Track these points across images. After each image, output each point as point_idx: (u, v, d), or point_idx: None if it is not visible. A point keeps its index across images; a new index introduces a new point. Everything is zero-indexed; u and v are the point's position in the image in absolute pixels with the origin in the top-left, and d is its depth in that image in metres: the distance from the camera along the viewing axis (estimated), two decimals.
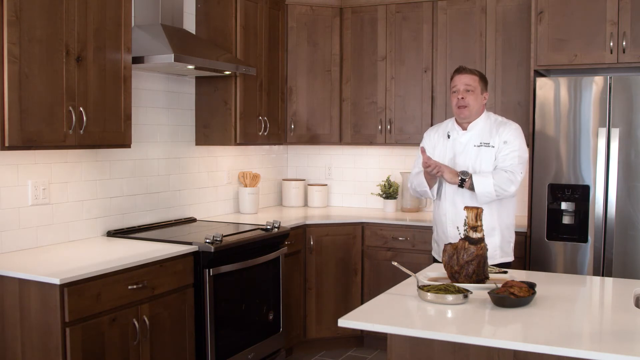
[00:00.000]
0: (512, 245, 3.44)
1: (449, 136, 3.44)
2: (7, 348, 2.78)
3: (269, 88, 4.59)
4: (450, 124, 3.49)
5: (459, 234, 2.74)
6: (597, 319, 2.29)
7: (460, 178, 3.23)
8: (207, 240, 3.36)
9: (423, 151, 3.28)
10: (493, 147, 3.32)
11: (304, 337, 4.51)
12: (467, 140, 3.38)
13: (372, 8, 4.80)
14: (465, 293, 2.34)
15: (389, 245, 4.50)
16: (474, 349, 2.07)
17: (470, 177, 3.23)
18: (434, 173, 3.24)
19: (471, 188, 3.25)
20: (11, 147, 2.73)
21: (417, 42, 4.68)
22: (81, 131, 3.02)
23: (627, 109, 3.72)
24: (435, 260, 3.52)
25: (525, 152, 3.34)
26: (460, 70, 3.40)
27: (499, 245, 3.34)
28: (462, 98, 3.32)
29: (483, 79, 3.40)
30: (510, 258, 3.42)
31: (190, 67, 3.60)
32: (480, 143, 3.35)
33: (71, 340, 2.65)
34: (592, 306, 2.51)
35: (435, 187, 3.42)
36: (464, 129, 3.40)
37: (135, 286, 2.95)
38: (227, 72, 3.97)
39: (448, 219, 3.40)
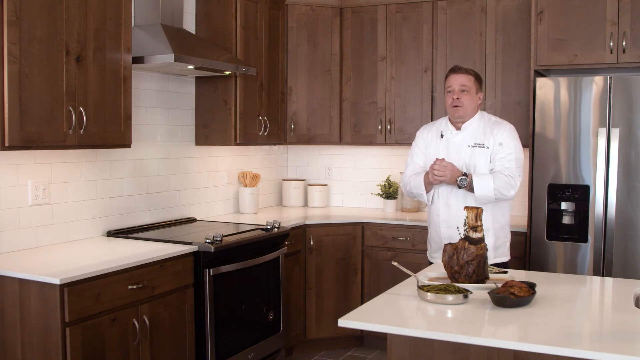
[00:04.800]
0: (508, 245, 3.43)
1: (442, 136, 3.41)
2: (7, 348, 2.79)
3: (269, 88, 4.59)
4: (443, 123, 3.46)
5: (459, 234, 2.74)
6: (597, 319, 2.29)
7: (460, 179, 3.20)
8: (207, 240, 3.36)
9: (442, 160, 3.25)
10: (488, 148, 3.29)
11: (304, 337, 4.51)
12: (460, 140, 3.35)
13: (372, 8, 4.80)
14: (465, 293, 2.34)
15: (389, 245, 4.50)
16: (474, 349, 2.07)
17: (471, 179, 3.21)
18: (437, 176, 3.21)
19: (470, 189, 3.23)
20: (11, 147, 2.73)
21: (417, 42, 4.68)
22: (81, 131, 3.02)
23: (627, 109, 3.72)
24: (430, 263, 3.50)
25: (521, 154, 3.32)
26: (455, 69, 3.36)
27: (492, 246, 3.30)
28: (457, 98, 3.29)
29: (478, 79, 3.37)
30: (505, 258, 3.40)
31: (190, 67, 3.60)
32: (475, 143, 3.31)
33: (71, 340, 2.65)
34: (592, 306, 2.51)
35: (432, 192, 3.39)
36: (458, 128, 3.37)
37: (135, 286, 2.95)
38: (227, 72, 3.97)
39: (441, 219, 3.37)
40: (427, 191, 3.36)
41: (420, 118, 4.67)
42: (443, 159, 3.24)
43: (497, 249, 3.35)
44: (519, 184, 3.26)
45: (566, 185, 3.87)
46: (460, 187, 3.22)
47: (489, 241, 3.25)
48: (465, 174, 3.22)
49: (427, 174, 3.32)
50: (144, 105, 3.90)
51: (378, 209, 5.07)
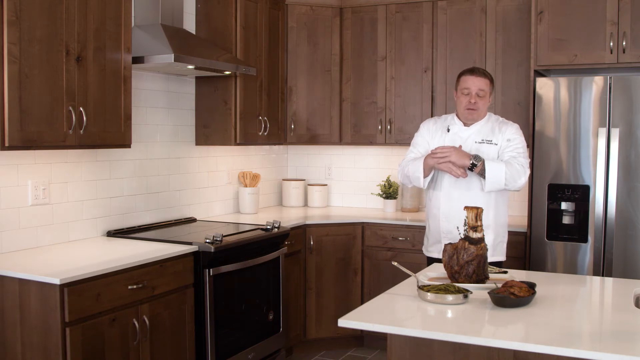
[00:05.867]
0: (504, 244, 3.41)
1: (448, 130, 3.39)
2: (7, 348, 2.79)
3: (269, 88, 4.59)
4: (449, 118, 3.44)
5: (459, 234, 2.73)
6: (597, 319, 2.29)
7: (471, 162, 3.15)
8: (207, 240, 3.36)
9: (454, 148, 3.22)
10: (496, 144, 3.29)
11: (304, 337, 4.51)
12: (468, 135, 3.34)
13: (372, 8, 4.80)
14: (465, 293, 2.34)
15: (389, 245, 4.50)
16: (474, 349, 2.07)
17: (483, 162, 3.16)
18: (441, 157, 3.16)
19: (481, 174, 3.19)
20: (11, 147, 2.73)
21: (417, 42, 4.68)
22: (81, 131, 3.02)
23: (627, 109, 3.72)
24: (428, 259, 3.48)
25: (526, 151, 3.33)
26: (474, 71, 3.31)
27: (491, 244, 3.28)
28: (475, 102, 3.26)
29: (492, 82, 3.35)
30: (502, 257, 3.39)
31: (190, 67, 3.60)
32: (482, 140, 3.31)
33: (71, 340, 2.65)
34: (592, 306, 2.51)
35: (429, 177, 3.33)
36: (466, 125, 3.36)
37: (135, 286, 2.95)
38: (227, 72, 3.97)
39: (441, 212, 3.35)
40: (426, 175, 3.30)
41: (420, 118, 4.67)
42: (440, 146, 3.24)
43: (496, 248, 3.33)
44: (528, 173, 3.26)
45: (566, 185, 3.87)
46: (472, 167, 3.15)
47: (488, 238, 3.23)
48: (477, 156, 3.17)
49: (427, 156, 3.26)
50: (144, 105, 3.90)
51: (378, 209, 5.07)
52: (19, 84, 2.73)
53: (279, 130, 4.75)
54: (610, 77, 3.75)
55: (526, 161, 3.27)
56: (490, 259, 3.26)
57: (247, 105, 4.33)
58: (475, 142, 3.31)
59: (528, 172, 3.25)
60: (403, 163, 3.46)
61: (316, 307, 4.52)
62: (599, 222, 3.79)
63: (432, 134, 3.43)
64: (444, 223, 3.33)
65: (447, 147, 3.20)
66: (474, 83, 3.27)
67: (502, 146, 3.28)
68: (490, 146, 3.29)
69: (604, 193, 3.77)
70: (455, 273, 2.58)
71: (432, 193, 3.43)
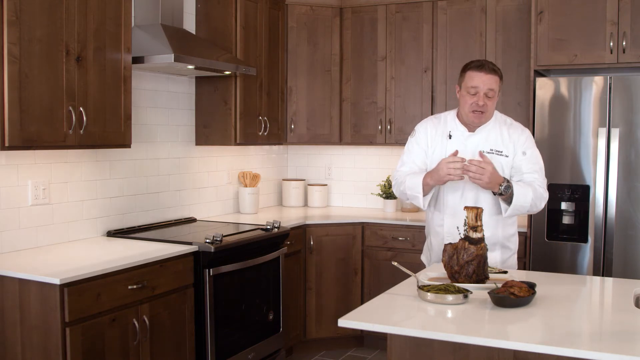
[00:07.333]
0: (515, 256, 3.11)
1: (450, 136, 2.99)
2: (7, 348, 2.78)
3: (269, 88, 4.59)
4: (450, 119, 3.02)
5: (459, 234, 2.73)
6: (597, 319, 2.29)
7: (505, 186, 2.79)
8: (207, 240, 3.36)
9: (456, 154, 2.81)
10: (507, 156, 2.92)
11: (304, 337, 4.51)
12: (474, 144, 2.94)
13: (372, 8, 4.80)
14: (465, 293, 2.33)
15: (389, 245, 4.50)
16: (474, 349, 2.07)
17: (512, 191, 2.80)
18: (470, 176, 2.75)
19: (504, 199, 2.85)
20: (11, 147, 2.73)
21: (417, 42, 4.69)
22: (81, 131, 3.02)
23: (627, 109, 3.72)
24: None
25: (543, 166, 2.99)
26: (483, 67, 2.84)
27: (499, 260, 3.03)
28: (483, 104, 2.85)
29: (502, 79, 2.92)
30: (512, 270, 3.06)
31: (190, 67, 3.60)
32: (491, 149, 2.92)
33: (71, 340, 2.65)
34: (592, 306, 2.51)
35: (429, 195, 2.95)
36: (470, 130, 2.97)
37: (135, 286, 2.95)
38: (227, 72, 3.97)
39: (445, 231, 3.02)
40: (425, 193, 2.92)
41: (420, 118, 4.64)
42: (482, 159, 2.77)
43: (504, 262, 3.07)
44: (547, 197, 2.95)
45: (566, 185, 3.87)
46: (500, 194, 2.81)
47: (495, 256, 3.01)
48: (507, 180, 2.80)
49: (427, 174, 2.88)
50: (144, 105, 3.90)
51: (378, 209, 5.07)
52: (19, 84, 2.72)
53: (279, 130, 4.75)
54: (610, 77, 3.75)
55: (544, 181, 2.93)
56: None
57: (247, 105, 4.33)
58: (483, 152, 2.90)
59: (547, 195, 2.95)
60: (398, 176, 3.05)
61: (316, 307, 4.52)
62: (599, 222, 3.79)
63: (430, 142, 3.02)
64: (450, 241, 2.94)
65: (484, 163, 2.75)
66: (483, 82, 2.83)
67: (517, 160, 2.92)
68: (500, 158, 2.90)
69: (604, 193, 3.77)
70: (455, 273, 2.58)
71: (433, 209, 3.09)
